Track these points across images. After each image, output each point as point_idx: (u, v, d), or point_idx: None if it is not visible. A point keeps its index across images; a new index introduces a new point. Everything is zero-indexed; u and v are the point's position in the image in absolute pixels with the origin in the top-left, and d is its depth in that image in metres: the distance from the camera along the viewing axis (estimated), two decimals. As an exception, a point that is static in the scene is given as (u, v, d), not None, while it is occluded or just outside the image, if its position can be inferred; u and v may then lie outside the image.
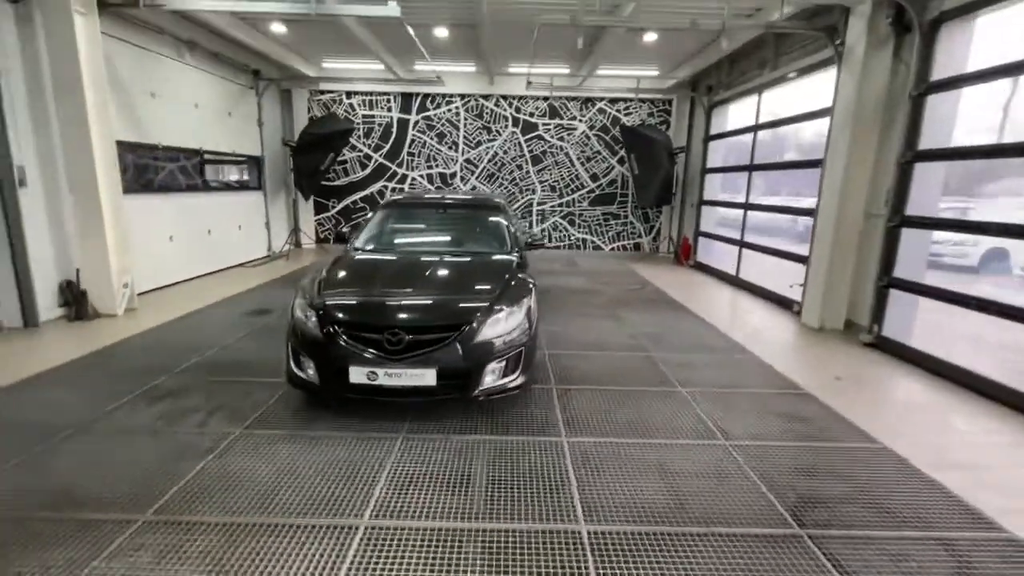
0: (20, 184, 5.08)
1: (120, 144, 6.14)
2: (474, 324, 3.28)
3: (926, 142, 4.79)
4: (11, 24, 4.95)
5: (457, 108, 10.91)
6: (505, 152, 11.11)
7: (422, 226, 5.04)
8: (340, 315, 3.28)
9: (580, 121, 11.00)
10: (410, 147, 11.06)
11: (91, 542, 2.20)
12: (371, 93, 10.81)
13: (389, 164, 11.13)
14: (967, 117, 4.80)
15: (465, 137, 11.04)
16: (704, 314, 6.32)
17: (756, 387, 4.10)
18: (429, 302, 3.50)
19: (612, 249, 11.55)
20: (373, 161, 11.12)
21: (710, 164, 9.87)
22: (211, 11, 6.30)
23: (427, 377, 3.12)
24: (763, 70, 7.66)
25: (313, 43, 8.71)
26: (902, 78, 5.02)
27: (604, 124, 11.01)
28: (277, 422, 3.32)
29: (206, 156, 7.99)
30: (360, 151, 11.07)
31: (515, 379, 3.43)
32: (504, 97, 10.87)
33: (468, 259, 4.32)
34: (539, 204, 11.31)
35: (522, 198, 11.29)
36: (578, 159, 11.15)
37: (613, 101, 10.92)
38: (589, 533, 2.34)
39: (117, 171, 5.66)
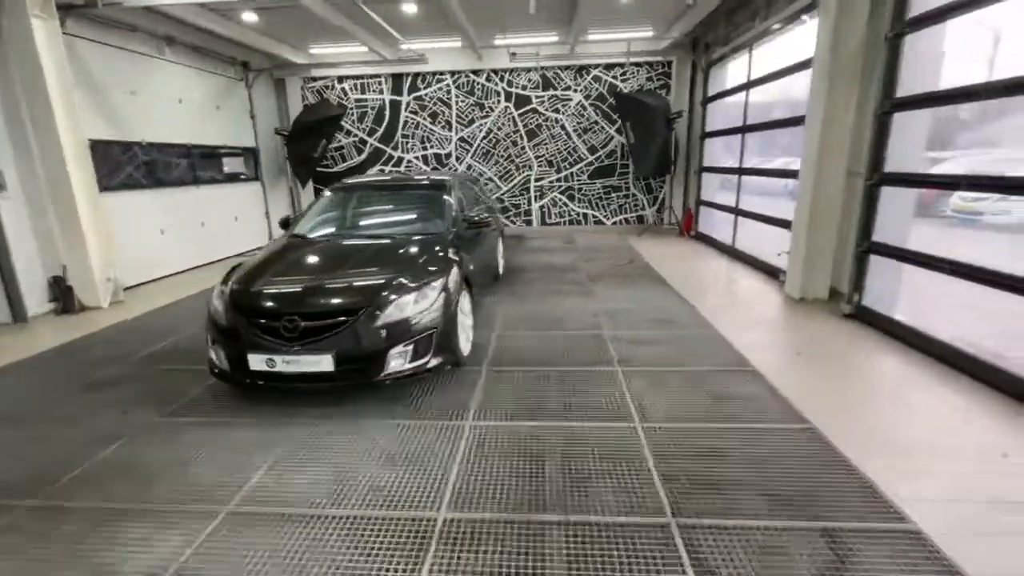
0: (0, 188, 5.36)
1: (99, 143, 6.39)
2: (374, 308, 3.22)
3: (906, 89, 4.29)
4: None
5: (448, 86, 10.72)
6: (499, 128, 10.86)
7: (362, 210, 4.98)
8: (242, 302, 3.29)
9: (575, 91, 10.58)
10: (404, 129, 10.99)
11: (-32, 527, 2.32)
12: (362, 77, 10.76)
13: (384, 147, 11.12)
14: (958, 58, 4.24)
15: (458, 115, 10.85)
16: (682, 288, 6.03)
17: (702, 365, 3.87)
18: (329, 287, 3.44)
19: (615, 223, 11.19)
20: (368, 146, 11.13)
21: (709, 127, 9.31)
22: (171, 3, 6.34)
23: (324, 363, 3.09)
24: (754, 21, 7.07)
25: (293, 30, 8.70)
26: (882, 20, 4.49)
27: (600, 92, 10.54)
28: (197, 410, 3.40)
29: (193, 150, 8.20)
30: (355, 136, 11.10)
31: (425, 362, 3.37)
32: (495, 71, 10.57)
33: (390, 241, 4.22)
34: (537, 180, 11.05)
35: (519, 175, 11.05)
36: (575, 131, 10.77)
37: (609, 67, 10.43)
38: (445, 521, 2.27)
39: (90, 170, 5.87)
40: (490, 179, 11.10)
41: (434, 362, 3.44)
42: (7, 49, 5.28)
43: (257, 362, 3.12)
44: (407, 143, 11.07)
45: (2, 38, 5.25)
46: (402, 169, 11.18)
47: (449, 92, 10.74)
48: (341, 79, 10.81)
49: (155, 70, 7.42)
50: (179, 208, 7.86)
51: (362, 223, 4.83)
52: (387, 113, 10.93)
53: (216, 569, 2.03)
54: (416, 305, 3.34)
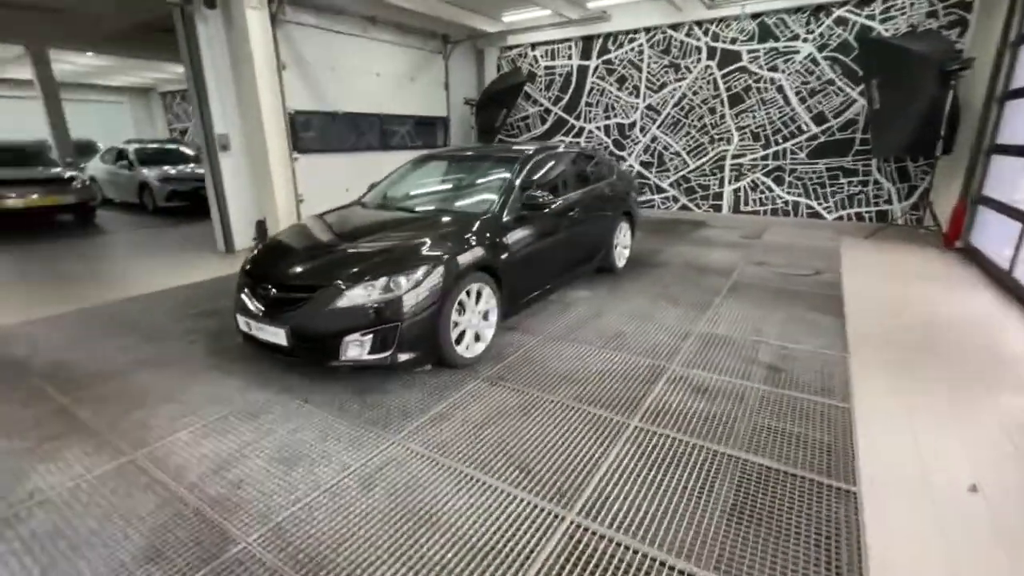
0: (224, 149, 6.94)
1: (301, 113, 7.70)
2: (332, 289, 2.97)
3: None
4: (215, 23, 6.61)
5: (640, 45, 9.45)
6: (695, 93, 9.14)
7: (425, 181, 4.70)
8: (244, 265, 3.45)
9: (805, 41, 8.07)
10: (588, 97, 10.25)
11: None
12: (552, 42, 10.35)
13: (567, 117, 10.61)
14: None
15: (648, 79, 9.54)
16: (858, 333, 4.05)
17: (727, 450, 2.50)
18: (304, 261, 3.30)
19: (838, 219, 8.40)
20: (552, 115, 10.78)
21: (1017, 84, 5.92)
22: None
23: (280, 336, 3.02)
24: None
25: (484, -2, 8.78)
26: None
27: (844, 41, 7.80)
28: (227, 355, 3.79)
29: (386, 119, 9.22)
30: (540, 105, 10.87)
31: (388, 356, 3.00)
32: (698, 23, 8.83)
33: (417, 218, 3.90)
34: (735, 157, 9.02)
35: (713, 149, 9.20)
36: (796, 94, 8.30)
37: (864, 1, 7.57)
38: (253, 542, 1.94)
39: (283, 136, 7.10)
40: (676, 154, 9.55)
41: (404, 357, 3.05)
42: (232, 34, 6.65)
43: (242, 323, 3.26)
44: (590, 112, 10.31)
45: (231, 26, 6.63)
46: (581, 140, 10.53)
47: (641, 53, 9.48)
48: (534, 46, 10.62)
49: (356, 47, 8.47)
50: (366, 169, 8.98)
51: (416, 194, 4.58)
52: (573, 80, 10.33)
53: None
54: (381, 294, 2.97)
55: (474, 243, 3.42)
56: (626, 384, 3.22)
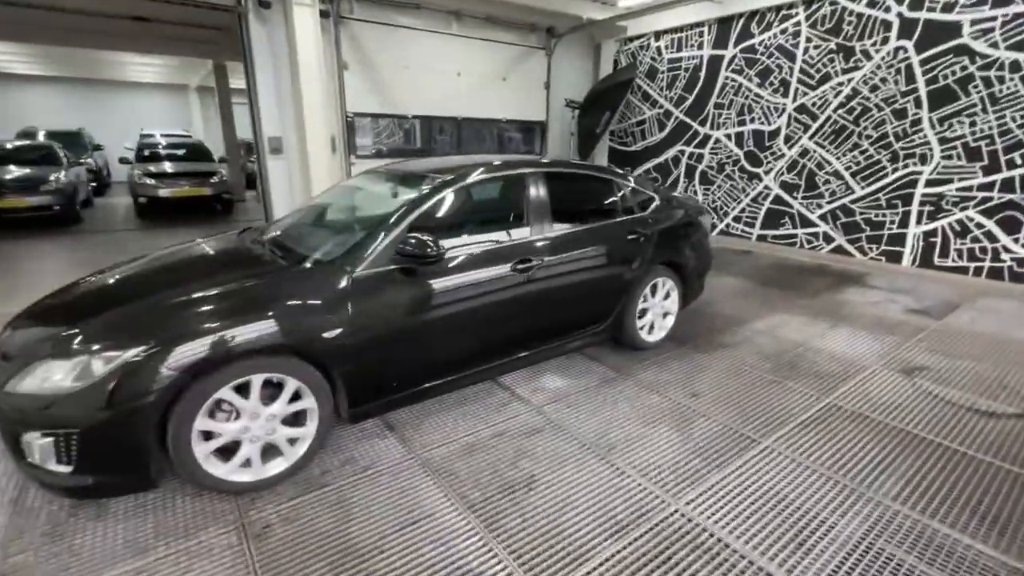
0: (276, 152, 6.81)
1: (360, 115, 7.26)
2: (23, 360, 2.07)
3: None
4: (272, 22, 6.44)
5: (798, 24, 6.88)
6: (873, 89, 6.28)
7: (337, 204, 3.51)
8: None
9: (1091, -5, 4.79)
10: (719, 96, 7.94)
11: None
12: (680, 28, 8.26)
13: (690, 122, 8.42)
14: None
15: (803, 69, 6.91)
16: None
17: None
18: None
19: None
20: (672, 119, 8.68)
21: None
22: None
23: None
24: None
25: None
26: None
27: None
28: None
29: (464, 123, 8.35)
30: (659, 107, 8.84)
31: (65, 473, 2.00)
32: (890, -15, 6.00)
33: (236, 260, 2.85)
34: (931, 184, 5.94)
35: (894, 170, 6.22)
36: (1063, 86, 5.02)
37: None
38: None
39: (328, 140, 6.70)
40: (834, 174, 6.77)
41: (89, 480, 2.03)
42: (287, 34, 6.41)
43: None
44: (719, 116, 7.99)
45: (286, 25, 6.39)
46: (706, 151, 8.26)
47: (797, 35, 6.91)
48: (658, 35, 8.66)
49: (432, 45, 7.72)
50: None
51: (299, 225, 3.30)
52: (702, 75, 8.12)
53: None
54: (67, 378, 1.97)
55: (264, 312, 2.21)
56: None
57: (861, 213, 6.60)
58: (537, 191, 3.15)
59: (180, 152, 11.30)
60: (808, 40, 6.80)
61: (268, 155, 6.74)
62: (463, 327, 2.82)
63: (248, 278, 2.38)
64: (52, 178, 8.77)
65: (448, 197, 2.84)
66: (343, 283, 2.40)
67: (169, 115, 18.76)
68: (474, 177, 2.95)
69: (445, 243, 2.63)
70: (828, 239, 6.98)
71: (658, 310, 3.86)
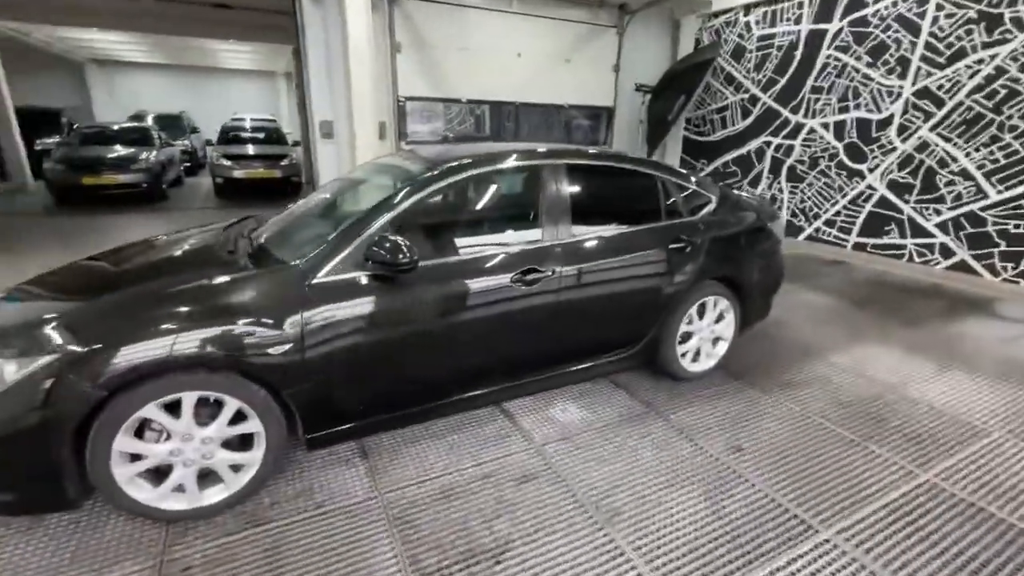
0: (327, 136, 6.73)
1: (412, 99, 7.00)
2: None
3: None
4: (320, 4, 6.28)
5: (926, -11, 5.64)
6: (1023, 68, 4.99)
7: (327, 202, 3.14)
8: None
9: None
10: (817, 78, 6.79)
11: None
12: (775, 0, 7.16)
13: (780, 109, 7.32)
14: None
15: (929, 44, 5.66)
16: None
17: None
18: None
19: None
20: (759, 105, 7.61)
21: None
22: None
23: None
24: None
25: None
26: None
27: None
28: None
29: (521, 108, 7.84)
30: (745, 91, 7.79)
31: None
32: (1062, -68, 4.66)
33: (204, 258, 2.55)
34: (1102, 189, 4.61)
35: (1048, 172, 4.92)
36: None
37: None
38: None
39: (372, 124, 6.45)
40: (961, 173, 5.52)
41: (9, 496, 1.84)
42: (343, 10, 6.22)
43: None
44: (816, 102, 6.86)
45: (339, 6, 6.21)
46: (796, 142, 7.16)
47: (924, 1, 5.66)
48: (748, 8, 7.59)
49: (492, 24, 7.26)
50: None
51: (301, 222, 2.93)
52: (798, 54, 6.99)
53: None
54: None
55: (199, 320, 1.90)
56: None
57: (995, 223, 5.33)
58: (554, 188, 2.61)
59: (258, 136, 11.79)
60: (939, 7, 5.55)
61: (319, 139, 6.67)
62: (450, 346, 2.39)
63: (189, 280, 2.08)
64: (143, 157, 9.43)
65: (436, 193, 2.39)
66: (297, 290, 2.05)
67: (259, 100, 19.91)
68: (471, 171, 2.48)
69: (432, 247, 2.21)
70: (947, 252, 5.74)
71: (706, 334, 3.19)
